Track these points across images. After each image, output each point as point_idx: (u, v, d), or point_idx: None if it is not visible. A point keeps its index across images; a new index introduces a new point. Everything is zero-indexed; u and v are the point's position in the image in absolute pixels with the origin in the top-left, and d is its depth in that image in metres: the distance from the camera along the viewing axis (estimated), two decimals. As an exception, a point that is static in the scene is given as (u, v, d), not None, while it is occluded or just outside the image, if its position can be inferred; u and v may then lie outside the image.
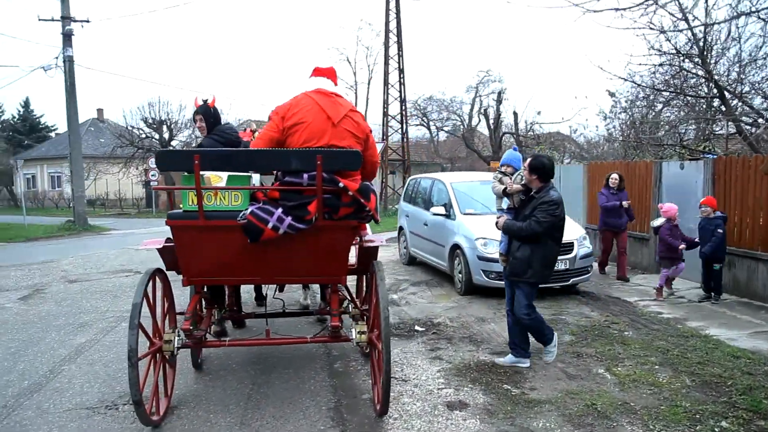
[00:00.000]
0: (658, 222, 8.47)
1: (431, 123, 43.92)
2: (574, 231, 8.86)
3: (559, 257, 8.23)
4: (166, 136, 37.77)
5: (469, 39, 72.54)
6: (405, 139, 26.62)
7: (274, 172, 4.26)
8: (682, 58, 13.61)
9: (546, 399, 4.76)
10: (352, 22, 76.96)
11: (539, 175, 5.24)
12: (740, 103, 12.78)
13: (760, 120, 13.04)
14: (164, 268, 4.77)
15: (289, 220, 3.96)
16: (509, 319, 5.72)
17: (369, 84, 40.87)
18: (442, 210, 9.46)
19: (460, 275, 8.74)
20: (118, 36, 78.42)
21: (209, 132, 5.45)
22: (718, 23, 9.53)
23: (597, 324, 6.97)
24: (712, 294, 8.06)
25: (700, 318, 7.26)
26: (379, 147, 20.76)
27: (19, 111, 52.46)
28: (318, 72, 4.50)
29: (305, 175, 3.95)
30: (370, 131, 4.47)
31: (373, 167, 4.52)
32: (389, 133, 26.87)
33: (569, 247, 8.45)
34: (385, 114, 26.08)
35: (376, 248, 4.82)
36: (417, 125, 44.23)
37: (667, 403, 4.62)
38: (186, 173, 4.04)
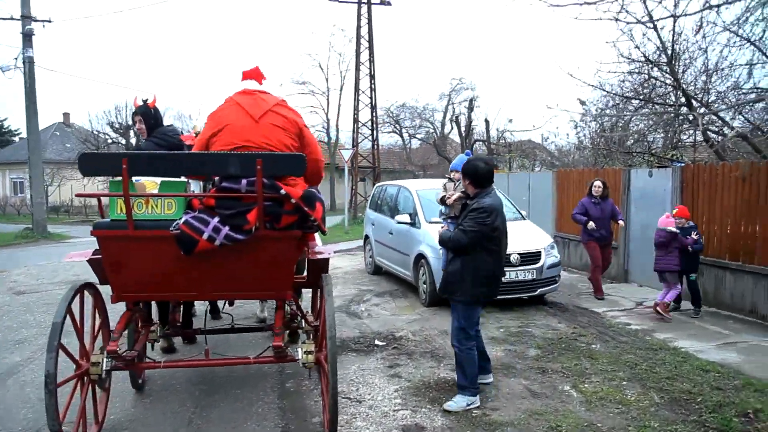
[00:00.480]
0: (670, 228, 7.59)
1: (404, 130, 43.89)
2: (541, 240, 8.64)
3: (525, 267, 8.08)
4: (133, 141, 36.95)
5: (442, 46, 72.77)
6: (375, 146, 26.33)
7: (209, 177, 3.92)
8: (650, 66, 13.60)
9: (508, 420, 4.47)
10: (325, 28, 76.68)
11: (471, 180, 4.69)
12: (707, 112, 12.77)
13: (726, 129, 13.06)
14: (97, 282, 4.40)
15: (226, 230, 3.62)
16: None
17: (341, 90, 40.75)
18: (407, 218, 9.16)
19: (425, 286, 8.45)
20: (83, 37, 76.56)
21: (149, 134, 5.08)
22: (687, 15, 9.31)
23: (564, 336, 6.72)
24: (693, 307, 7.77)
25: (669, 329, 7.06)
26: (348, 154, 20.53)
27: (-22, 114, 50.99)
28: (244, 75, 4.26)
29: (244, 181, 3.62)
30: (305, 125, 4.12)
31: (315, 167, 4.14)
32: (360, 140, 26.57)
33: (536, 256, 8.22)
34: (356, 120, 25.79)
35: (325, 261, 4.48)
36: (389, 132, 44.16)
37: (635, 424, 4.37)
38: (112, 178, 3.68)
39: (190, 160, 3.62)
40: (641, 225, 9.67)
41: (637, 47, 12.65)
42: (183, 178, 3.89)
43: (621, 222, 9.02)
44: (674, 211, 7.81)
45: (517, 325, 7.27)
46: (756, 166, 7.50)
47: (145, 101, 5.31)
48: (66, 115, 48.66)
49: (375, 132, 26.27)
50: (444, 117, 39.79)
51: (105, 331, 4.37)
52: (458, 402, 4.68)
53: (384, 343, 6.58)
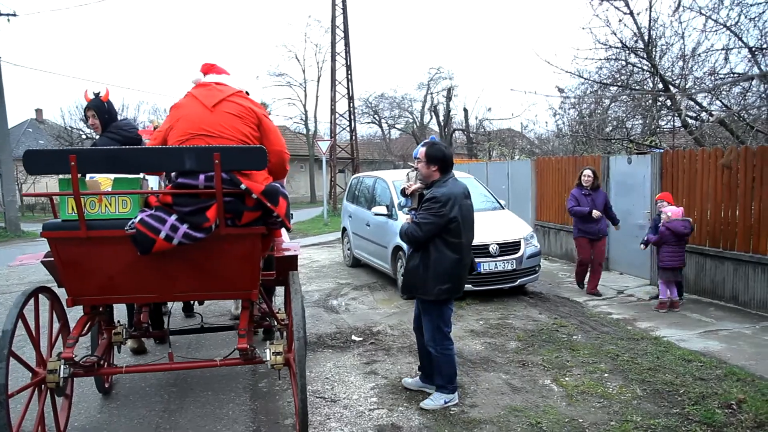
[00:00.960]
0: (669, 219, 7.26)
1: (383, 121, 43.64)
2: (520, 229, 8.51)
3: (505, 257, 7.94)
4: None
5: (420, 36, 72.43)
6: (353, 137, 26.08)
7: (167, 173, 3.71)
8: (627, 52, 13.52)
9: (487, 418, 4.32)
10: (301, 19, 75.87)
11: (440, 166, 4.36)
12: (686, 93, 12.73)
13: (704, 114, 13.04)
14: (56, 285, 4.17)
15: (184, 228, 3.41)
16: (418, 339, 4.87)
17: (318, 82, 40.40)
18: (384, 210, 8.97)
19: (403, 278, 8.27)
20: (52, 32, 74.61)
21: (104, 129, 4.84)
22: None
23: (545, 328, 6.60)
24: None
25: (650, 318, 6.97)
26: (325, 145, 20.21)
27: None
28: (202, 69, 4.04)
29: (201, 176, 3.41)
30: (265, 115, 3.86)
31: (278, 159, 3.89)
32: (338, 131, 26.31)
33: (515, 246, 8.09)
34: (333, 111, 25.50)
35: (293, 258, 4.28)
36: (369, 123, 43.90)
37: (617, 418, 4.25)
38: (62, 176, 3.45)
39: (142, 155, 3.39)
40: (621, 212, 9.56)
41: (613, 33, 12.56)
42: (140, 174, 3.67)
43: (617, 226, 8.39)
44: (658, 195, 7.74)
45: (497, 317, 7.14)
46: (735, 151, 7.41)
47: (97, 94, 5.07)
48: (38, 111, 47.78)
49: (353, 123, 26.01)
50: (423, 107, 39.63)
51: (65, 337, 4.15)
52: (435, 400, 4.52)
53: (361, 339, 6.41)
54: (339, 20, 25.22)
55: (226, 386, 5.09)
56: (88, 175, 3.96)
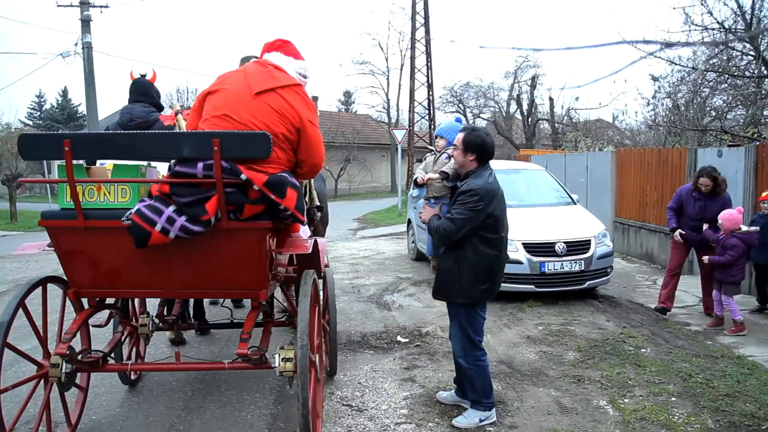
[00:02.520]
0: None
1: (467, 110, 42.70)
2: (592, 227, 7.82)
3: (572, 257, 7.29)
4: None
5: (507, 22, 70.54)
6: (432, 126, 25.53)
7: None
8: (726, 34, 12.31)
9: (526, 442, 3.83)
10: (385, 6, 75.44)
11: (477, 155, 3.90)
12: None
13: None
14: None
15: (181, 220, 3.11)
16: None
17: (401, 70, 39.97)
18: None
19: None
20: (140, 21, 77.31)
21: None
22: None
23: (610, 338, 5.95)
24: None
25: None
26: (401, 134, 19.77)
27: (58, 100, 53.05)
28: (267, 48, 3.69)
29: (200, 164, 3.09)
30: (312, 122, 3.46)
31: (312, 168, 3.59)
32: (417, 120, 25.87)
33: (585, 245, 7.43)
34: (412, 100, 25.05)
35: (313, 254, 3.89)
36: (453, 112, 43.08)
37: (679, 454, 3.65)
38: (59, 162, 3.24)
39: (137, 140, 3.12)
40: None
41: (709, 12, 11.43)
42: (143, 161, 3.42)
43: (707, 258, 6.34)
44: (763, 194, 6.68)
45: (559, 323, 6.54)
46: None
47: (143, 75, 4.91)
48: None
49: (432, 111, 25.48)
50: (509, 96, 38.42)
51: (82, 330, 3.98)
52: (470, 417, 4.06)
53: (407, 340, 6.01)
54: (420, 6, 24.69)
55: (253, 386, 4.83)
56: (98, 162, 3.78)
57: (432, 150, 5.67)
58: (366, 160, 36.93)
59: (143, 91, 4.95)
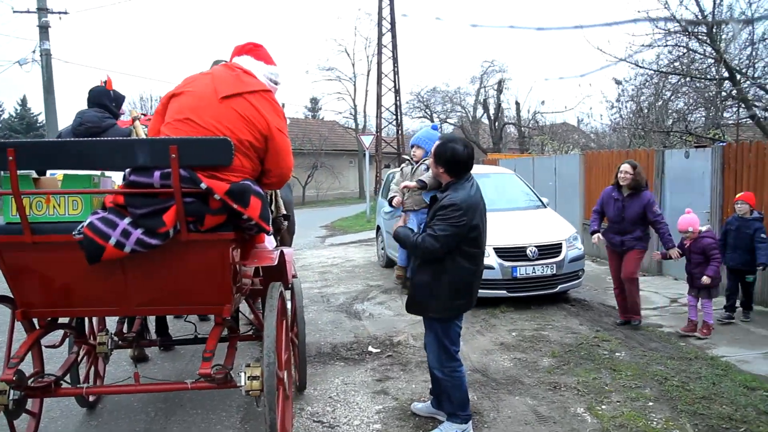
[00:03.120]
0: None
1: (435, 115, 42.81)
2: (562, 230, 7.78)
3: (544, 261, 7.23)
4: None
5: (474, 28, 71.02)
6: (399, 131, 25.48)
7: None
8: (688, 36, 12.48)
9: (504, 455, 3.71)
10: (351, 12, 75.35)
11: (447, 168, 3.73)
12: (753, 87, 11.65)
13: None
14: None
15: (138, 233, 2.91)
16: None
17: (368, 76, 39.89)
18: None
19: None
20: (101, 28, 75.69)
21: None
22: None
23: (584, 342, 5.89)
24: (741, 310, 6.64)
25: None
26: (368, 140, 19.65)
27: (17, 109, 51.65)
28: (238, 51, 3.51)
29: (157, 173, 2.91)
30: (281, 130, 3.28)
31: (279, 178, 3.42)
32: (384, 126, 25.79)
33: (556, 249, 7.38)
34: (379, 105, 24.97)
35: (279, 266, 3.72)
36: (420, 117, 43.15)
37: (660, 462, 3.56)
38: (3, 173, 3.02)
39: (88, 148, 2.91)
40: (678, 211, 8.68)
41: (672, 16, 11.55)
42: (96, 171, 3.21)
43: (673, 253, 6.22)
44: (738, 195, 6.61)
45: (533, 328, 6.46)
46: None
47: (104, 83, 4.70)
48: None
49: (399, 117, 25.42)
50: (476, 101, 38.63)
51: (33, 351, 3.73)
52: (445, 430, 3.92)
53: (378, 351, 5.86)
54: (386, 12, 24.66)
55: (219, 404, 4.62)
56: (48, 172, 3.56)
57: (408, 160, 5.54)
58: (334, 166, 36.72)
59: (95, 98, 4.74)
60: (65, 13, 21.32)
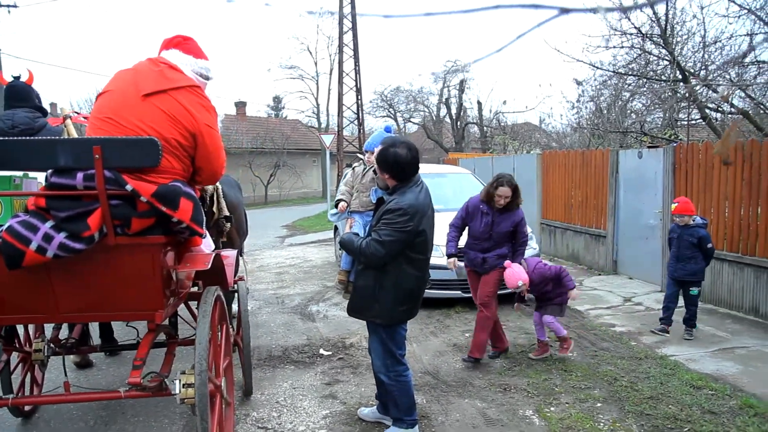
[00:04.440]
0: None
1: (398, 114, 42.79)
2: (518, 230, 7.76)
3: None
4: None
5: (438, 27, 71.41)
6: (361, 131, 25.37)
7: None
8: (643, 38, 12.69)
9: (450, 460, 3.65)
10: (313, 10, 74.86)
11: (391, 174, 3.60)
12: (703, 88, 11.89)
13: (725, 106, 12.16)
14: None
15: (60, 237, 2.76)
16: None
17: (330, 74, 39.68)
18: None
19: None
20: (52, 22, 73.51)
21: None
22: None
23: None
24: (684, 328, 6.03)
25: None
26: (329, 139, 19.40)
27: (-33, 107, 50.04)
28: (166, 44, 3.36)
29: (79, 175, 2.76)
30: (210, 126, 3.14)
31: (211, 176, 3.31)
32: (345, 125, 25.65)
33: (511, 249, 7.35)
34: (340, 104, 24.81)
35: (215, 270, 3.58)
36: (384, 117, 43.07)
37: (605, 464, 3.55)
38: None
39: (4, 149, 2.74)
40: (632, 211, 8.82)
41: (627, 18, 11.74)
42: (17, 172, 3.05)
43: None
44: (673, 207, 6.11)
45: (487, 329, 6.42)
46: (757, 144, 6.62)
47: (17, 78, 4.47)
48: (53, 106, 47.64)
49: (360, 116, 25.29)
50: (439, 100, 38.75)
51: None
52: None
53: (330, 353, 5.76)
54: (347, 10, 24.50)
55: (161, 411, 4.46)
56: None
57: (361, 159, 5.44)
58: (296, 165, 36.34)
59: (21, 95, 4.47)
60: (15, 6, 20.68)
